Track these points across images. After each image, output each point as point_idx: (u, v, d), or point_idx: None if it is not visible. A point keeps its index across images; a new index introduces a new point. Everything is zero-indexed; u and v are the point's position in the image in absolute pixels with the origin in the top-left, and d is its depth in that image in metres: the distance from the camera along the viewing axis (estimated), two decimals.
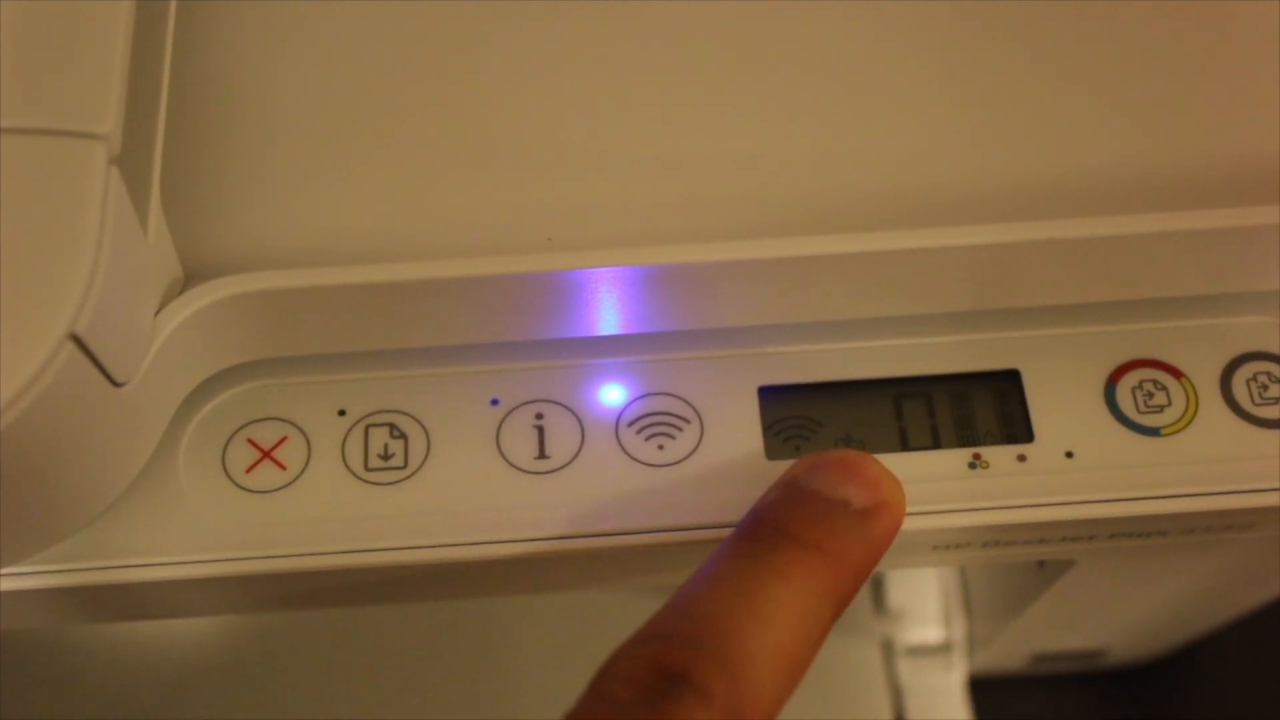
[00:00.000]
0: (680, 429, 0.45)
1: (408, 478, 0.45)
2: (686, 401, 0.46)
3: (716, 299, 0.44)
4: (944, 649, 0.77)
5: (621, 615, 0.43)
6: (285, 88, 0.46)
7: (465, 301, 0.43)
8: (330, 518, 0.44)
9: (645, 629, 0.38)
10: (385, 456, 0.45)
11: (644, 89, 0.46)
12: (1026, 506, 0.44)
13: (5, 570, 0.43)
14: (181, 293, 0.42)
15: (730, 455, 0.45)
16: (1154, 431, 0.45)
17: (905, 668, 0.76)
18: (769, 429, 0.45)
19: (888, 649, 0.79)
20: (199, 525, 0.44)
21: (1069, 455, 0.45)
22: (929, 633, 0.80)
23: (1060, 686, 0.81)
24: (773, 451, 0.45)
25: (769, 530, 0.40)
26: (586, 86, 0.46)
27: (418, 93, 0.46)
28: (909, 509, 0.42)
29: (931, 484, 0.44)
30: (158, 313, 0.41)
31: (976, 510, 0.44)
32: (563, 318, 0.44)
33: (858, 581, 0.41)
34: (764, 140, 0.45)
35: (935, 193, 0.44)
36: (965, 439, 0.45)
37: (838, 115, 0.46)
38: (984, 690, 0.78)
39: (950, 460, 0.45)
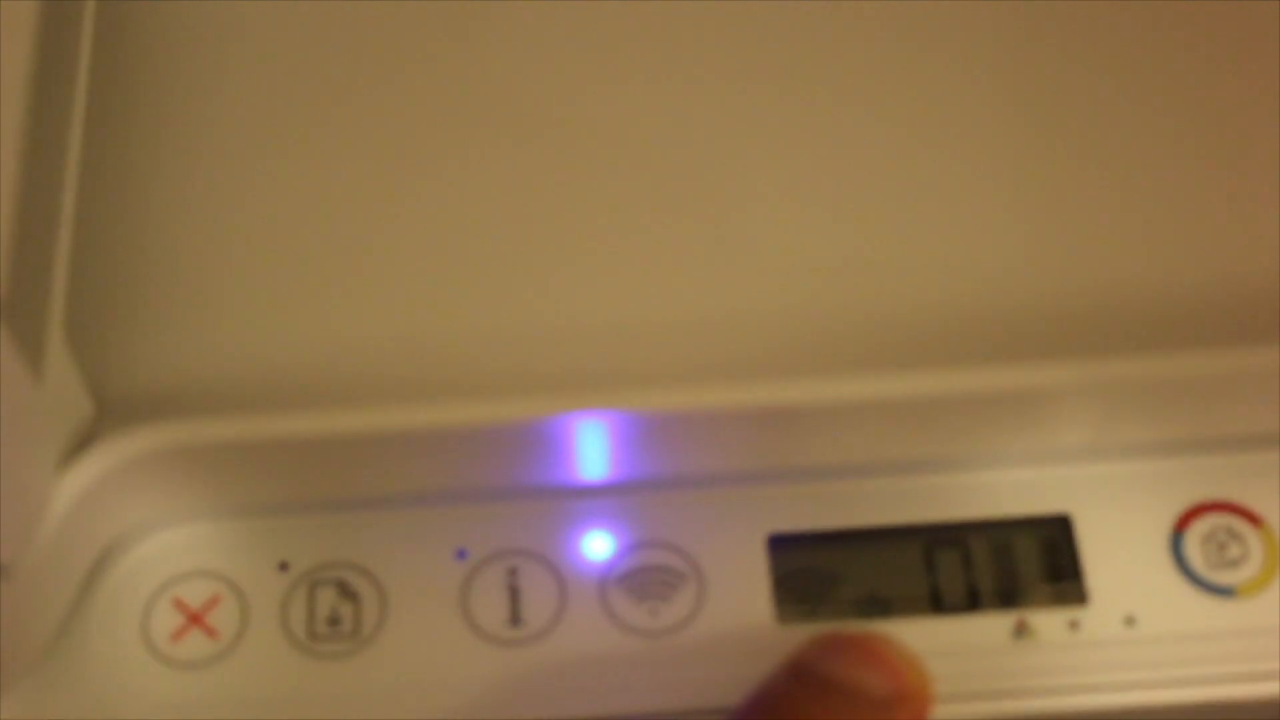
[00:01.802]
0: (676, 587, 0.39)
1: (359, 648, 0.38)
2: (684, 554, 0.39)
3: (717, 446, 0.38)
4: None
5: None
6: (209, 204, 0.41)
7: (422, 453, 0.37)
8: (269, 698, 0.38)
9: None
10: (334, 622, 0.39)
11: (620, 202, 0.40)
12: (1081, 690, 0.37)
13: None
14: (91, 435, 0.36)
15: (735, 620, 0.39)
16: (1228, 591, 0.39)
17: None
18: (779, 585, 0.39)
19: None
20: (114, 707, 0.37)
21: (1129, 621, 0.38)
22: None
23: None
24: (784, 614, 0.39)
25: None
26: (559, 196, 0.40)
27: (358, 206, 0.40)
28: (941, 690, 0.36)
29: (968, 659, 0.38)
30: (59, 463, 0.34)
31: (1021, 695, 0.37)
32: (536, 467, 0.38)
33: None
34: (759, 261, 0.39)
35: (974, 323, 0.37)
36: (1008, 599, 0.39)
37: (848, 230, 0.40)
38: None
39: (991, 628, 0.39)
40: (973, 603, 0.39)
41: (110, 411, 0.37)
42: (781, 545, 0.40)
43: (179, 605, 0.39)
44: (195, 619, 0.39)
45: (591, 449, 0.37)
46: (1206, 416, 0.39)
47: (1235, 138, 0.42)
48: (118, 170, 0.41)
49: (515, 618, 0.39)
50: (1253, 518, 0.40)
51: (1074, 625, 0.39)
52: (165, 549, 0.39)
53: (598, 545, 0.39)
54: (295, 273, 0.39)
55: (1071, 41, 0.43)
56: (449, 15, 0.44)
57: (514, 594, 0.39)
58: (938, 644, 0.38)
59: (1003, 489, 0.40)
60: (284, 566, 0.39)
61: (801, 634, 0.38)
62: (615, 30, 0.43)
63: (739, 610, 0.39)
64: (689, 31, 0.43)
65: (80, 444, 0.36)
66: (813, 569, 0.40)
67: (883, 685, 0.36)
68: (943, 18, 0.44)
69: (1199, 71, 0.43)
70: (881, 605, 0.39)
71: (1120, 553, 0.40)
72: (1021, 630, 0.39)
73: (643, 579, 0.39)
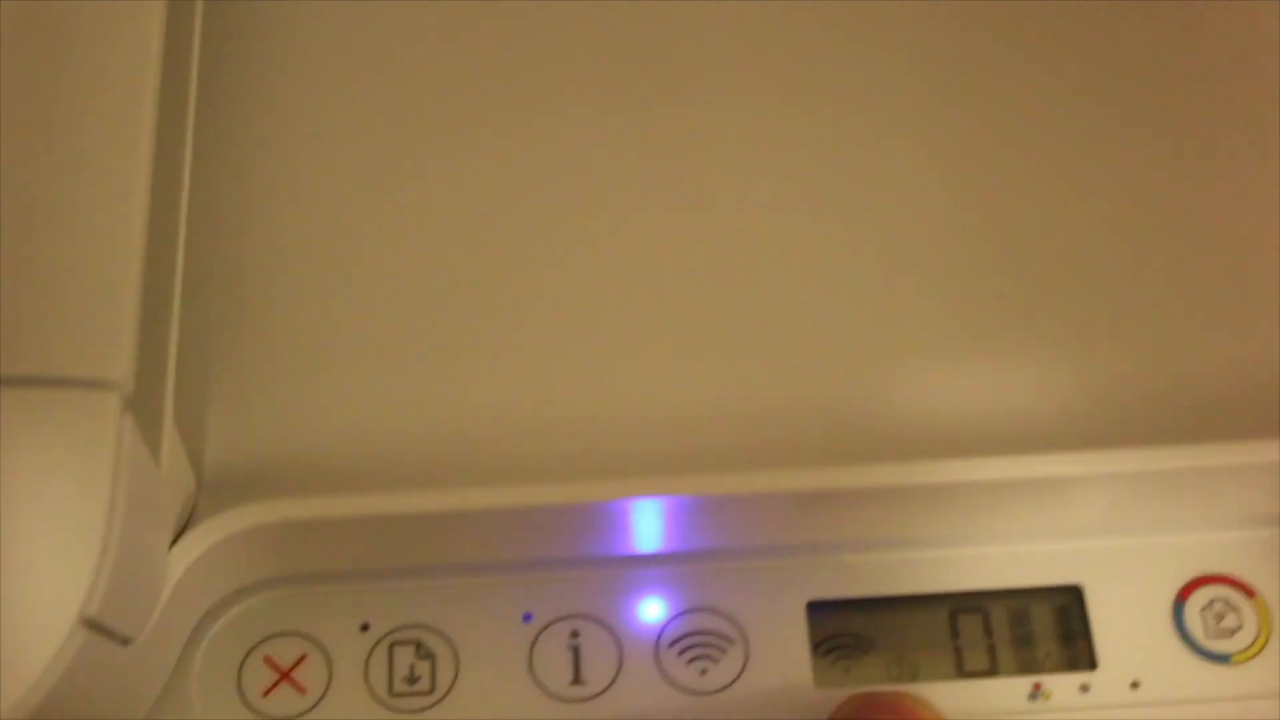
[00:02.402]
0: (724, 650, 0.43)
1: (435, 704, 0.42)
2: (730, 618, 0.43)
3: (759, 523, 0.41)
4: None
5: None
6: (299, 287, 0.44)
7: (495, 529, 0.40)
8: None
9: None
10: (411, 679, 0.42)
11: (670, 300, 0.44)
12: None
13: None
14: (195, 513, 0.39)
15: (777, 681, 0.43)
16: (1224, 659, 0.43)
17: None
18: (817, 649, 0.43)
19: None
20: None
21: (1134, 686, 0.42)
22: None
23: None
24: (821, 679, 0.42)
25: None
26: (626, 293, 0.44)
27: (439, 296, 0.44)
28: None
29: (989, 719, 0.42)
30: (173, 543, 0.38)
31: None
32: (597, 541, 0.42)
33: None
34: (792, 355, 0.43)
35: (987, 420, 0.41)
36: (1025, 664, 0.43)
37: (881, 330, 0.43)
38: None
39: (1009, 690, 0.43)
40: (993, 667, 0.43)
41: (209, 487, 0.41)
42: (819, 611, 0.43)
43: (270, 663, 0.42)
44: (285, 675, 0.42)
45: (647, 526, 0.41)
46: (1208, 499, 0.42)
47: (1231, 229, 0.46)
48: (211, 251, 0.45)
49: (577, 677, 0.42)
50: (1248, 590, 0.44)
51: (1084, 688, 0.43)
52: (257, 611, 0.43)
53: (653, 610, 0.43)
54: (378, 358, 0.43)
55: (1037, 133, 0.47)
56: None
57: (576, 654, 0.43)
58: (961, 707, 0.41)
59: (1020, 561, 0.44)
60: (365, 627, 0.43)
61: (838, 694, 0.41)
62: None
63: (780, 671, 0.43)
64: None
65: (187, 521, 0.39)
66: (847, 633, 0.43)
67: None
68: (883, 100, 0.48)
69: (1194, 152, 0.47)
70: (910, 668, 0.43)
71: (1127, 621, 0.43)
72: (1037, 693, 0.42)
73: (693, 642, 0.43)
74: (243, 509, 0.39)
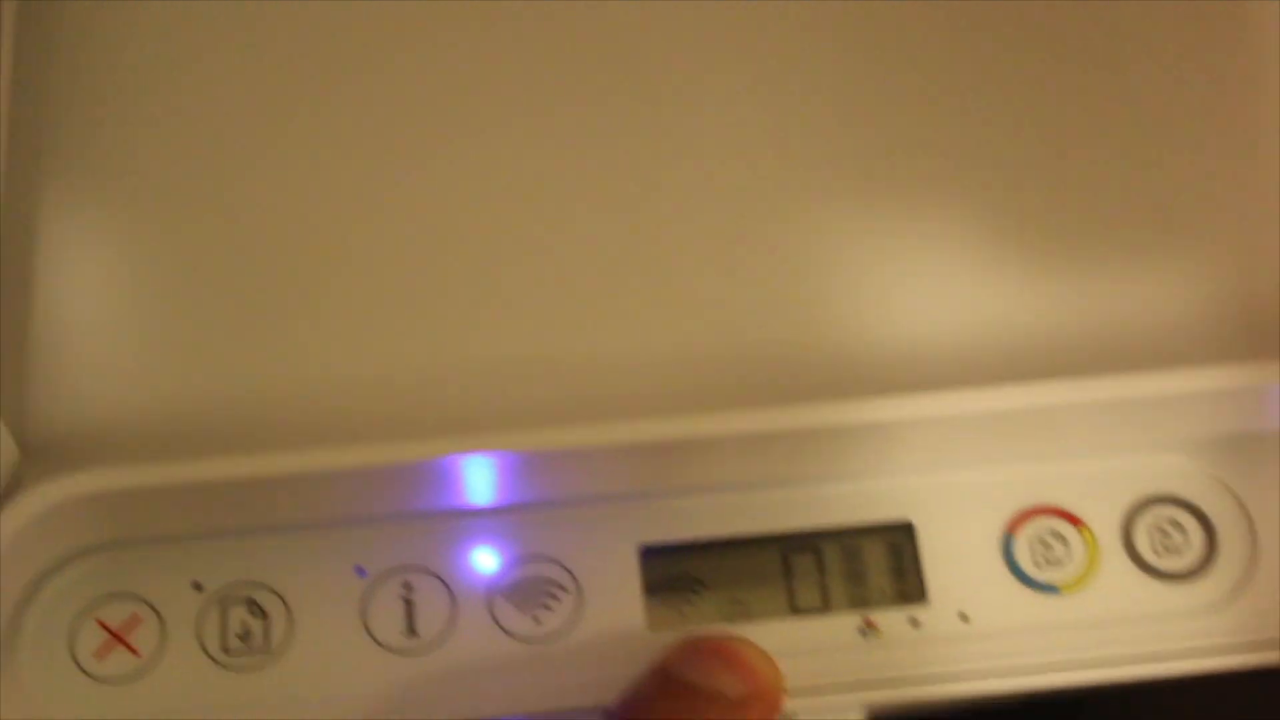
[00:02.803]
0: (558, 597, 0.43)
1: (270, 661, 0.42)
2: (563, 566, 0.43)
3: (589, 473, 0.41)
4: None
5: None
6: (121, 248, 0.43)
7: (322, 489, 0.40)
8: (188, 710, 0.42)
9: None
10: (245, 637, 0.42)
11: (497, 248, 0.44)
12: (918, 682, 0.42)
13: None
14: (15, 482, 0.39)
15: (610, 626, 0.43)
16: (1053, 589, 0.43)
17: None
18: (651, 592, 0.43)
19: None
20: None
21: (964, 618, 0.43)
22: None
23: None
24: (655, 620, 0.43)
25: None
26: (443, 245, 0.43)
27: (258, 256, 0.43)
28: (794, 685, 0.40)
29: (819, 656, 0.42)
30: None
31: (864, 689, 0.42)
32: (427, 494, 0.42)
33: None
34: (620, 307, 0.43)
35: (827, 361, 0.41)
36: (856, 599, 0.43)
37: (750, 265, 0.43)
38: None
39: (840, 626, 0.43)
40: (824, 603, 0.43)
41: (32, 454, 0.40)
42: (652, 555, 0.43)
43: (102, 625, 0.42)
44: (118, 637, 0.42)
45: (477, 480, 0.41)
46: (1035, 433, 0.43)
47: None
48: (33, 205, 0.44)
49: (411, 629, 0.43)
50: (1075, 520, 0.44)
51: (914, 622, 0.43)
52: (87, 574, 0.43)
53: (485, 560, 0.43)
54: (203, 319, 0.42)
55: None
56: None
57: (409, 607, 0.43)
58: (791, 644, 0.42)
59: (851, 499, 0.44)
60: (197, 586, 0.43)
61: (671, 636, 0.42)
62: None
63: (614, 616, 0.43)
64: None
65: (6, 491, 0.39)
66: (680, 576, 0.44)
67: (737, 685, 0.39)
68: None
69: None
70: (743, 608, 0.43)
71: (957, 555, 0.44)
72: (868, 628, 0.43)
73: (526, 590, 0.43)
74: (62, 479, 0.39)
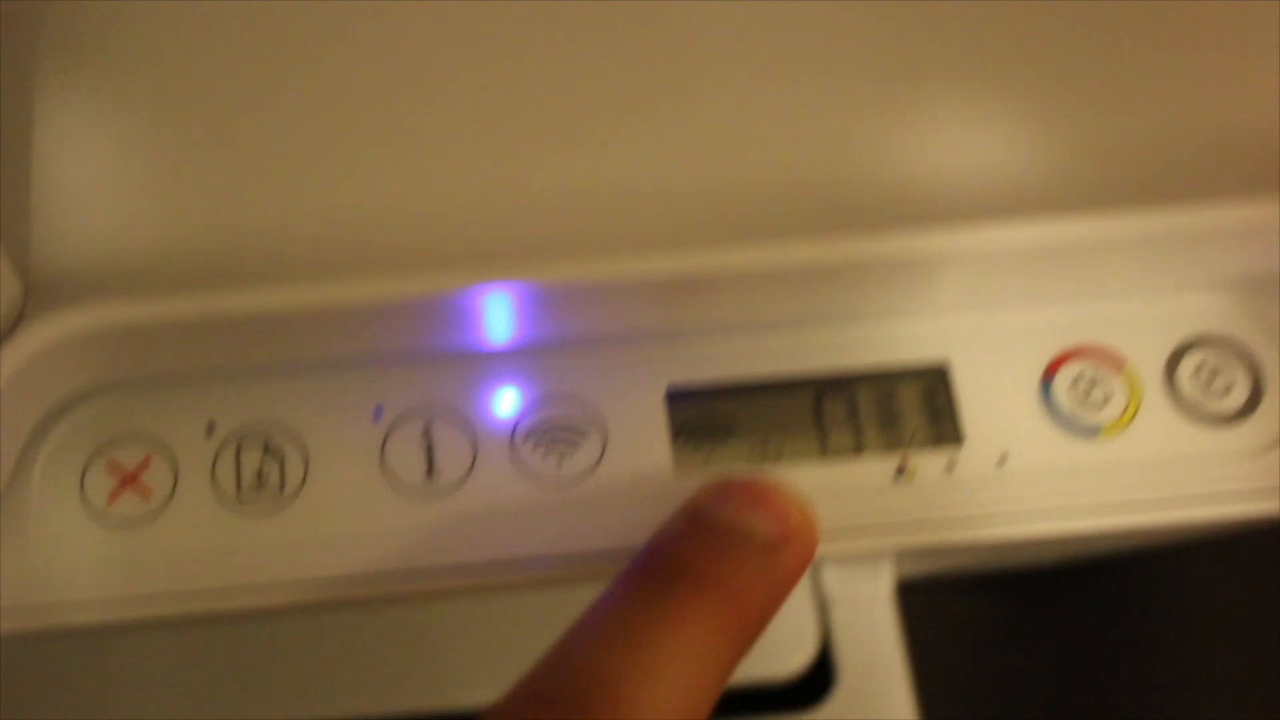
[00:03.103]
0: (581, 440, 0.41)
1: (284, 504, 0.41)
2: (587, 406, 0.42)
3: (616, 311, 0.40)
4: (871, 557, 0.75)
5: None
6: (126, 82, 0.41)
7: (339, 325, 0.39)
8: (200, 553, 0.40)
9: (523, 686, 0.35)
10: (259, 479, 0.41)
11: (522, 80, 0.41)
12: (952, 526, 0.40)
13: None
14: (19, 317, 0.37)
15: (635, 468, 0.41)
16: (1093, 431, 0.42)
17: (832, 577, 0.74)
18: (677, 436, 0.41)
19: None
20: (56, 566, 0.40)
21: (1001, 461, 0.41)
22: None
23: (991, 587, 0.79)
24: (681, 464, 0.41)
25: (666, 567, 0.37)
26: (462, 75, 0.41)
27: (274, 84, 0.41)
28: (827, 527, 0.39)
29: (852, 500, 0.41)
30: None
31: (900, 531, 0.41)
32: (448, 333, 0.40)
33: (763, 620, 0.38)
34: (653, 138, 0.41)
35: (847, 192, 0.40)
36: (890, 441, 0.42)
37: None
38: (914, 595, 0.76)
39: (873, 470, 0.42)
40: (857, 446, 0.42)
41: (37, 290, 0.39)
42: (679, 398, 0.42)
43: (113, 467, 0.41)
44: (129, 480, 0.41)
45: (499, 317, 0.40)
46: (1076, 272, 0.41)
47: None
48: (34, 35, 0.42)
49: (431, 471, 0.41)
50: (1117, 360, 0.42)
51: (950, 465, 0.42)
52: (97, 415, 0.41)
53: (506, 400, 0.42)
54: (214, 149, 0.41)
55: None
56: None
57: (429, 449, 0.41)
58: (823, 487, 0.41)
59: (886, 340, 0.43)
60: (211, 428, 0.41)
61: (697, 480, 0.40)
62: None
63: (640, 458, 0.42)
64: None
65: (9, 326, 0.38)
66: (708, 420, 0.42)
67: (769, 527, 0.38)
68: None
69: None
70: (773, 452, 0.42)
71: (994, 397, 0.42)
72: (902, 471, 0.42)
73: (549, 431, 0.42)
74: (67, 313, 0.38)
